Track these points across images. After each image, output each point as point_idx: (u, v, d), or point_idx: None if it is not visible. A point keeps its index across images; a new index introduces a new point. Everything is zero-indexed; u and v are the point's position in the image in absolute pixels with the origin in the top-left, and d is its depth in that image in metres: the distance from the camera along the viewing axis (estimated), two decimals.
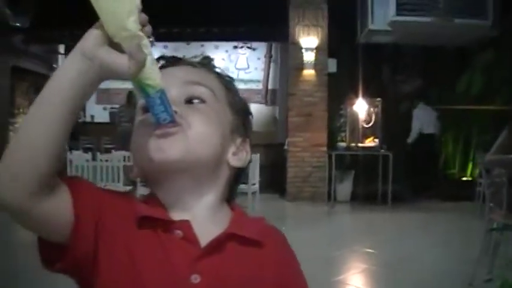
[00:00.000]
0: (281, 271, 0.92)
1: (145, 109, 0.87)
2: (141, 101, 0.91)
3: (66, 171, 6.17)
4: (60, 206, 0.79)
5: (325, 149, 9.50)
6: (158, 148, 0.84)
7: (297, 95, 9.61)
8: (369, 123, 9.30)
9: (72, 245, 0.79)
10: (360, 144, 9.25)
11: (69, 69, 0.76)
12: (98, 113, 14.17)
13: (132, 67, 0.74)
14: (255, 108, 12.33)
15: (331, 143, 9.56)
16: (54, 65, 12.86)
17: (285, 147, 10.09)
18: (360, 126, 9.28)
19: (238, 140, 0.96)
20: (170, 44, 14.42)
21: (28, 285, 4.31)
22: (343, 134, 9.62)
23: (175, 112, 0.84)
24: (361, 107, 9.32)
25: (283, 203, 9.54)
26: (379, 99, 9.34)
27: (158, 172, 0.87)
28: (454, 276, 4.84)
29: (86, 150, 8.93)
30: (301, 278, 0.97)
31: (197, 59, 1.00)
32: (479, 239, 4.73)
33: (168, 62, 0.96)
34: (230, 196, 0.97)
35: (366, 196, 9.59)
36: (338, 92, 9.63)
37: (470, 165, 10.44)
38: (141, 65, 0.75)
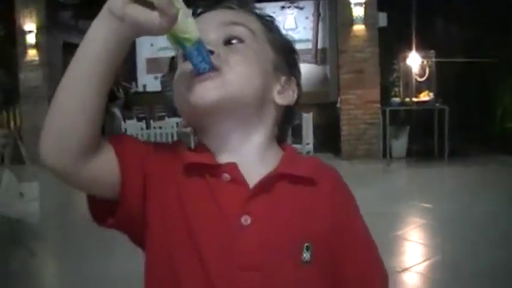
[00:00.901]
0: (336, 211, 0.88)
1: (185, 56, 0.84)
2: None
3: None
4: (106, 166, 0.79)
5: (378, 105, 9.34)
6: (197, 93, 0.81)
7: (347, 51, 9.44)
8: (422, 76, 9.05)
9: (122, 200, 0.80)
10: (415, 99, 9.03)
11: (99, 30, 0.74)
12: (149, 82, 14.34)
13: (164, 23, 0.70)
14: (305, 68, 12.23)
15: (385, 99, 9.37)
16: None
17: (338, 105, 9.98)
18: (414, 81, 9.04)
19: (283, 79, 0.92)
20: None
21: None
22: (396, 89, 9.42)
23: (213, 52, 0.82)
24: (414, 61, 9.07)
25: (338, 162, 9.44)
26: (432, 51, 9.06)
27: (201, 117, 0.86)
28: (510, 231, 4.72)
29: (139, 119, 9.07)
30: (358, 220, 0.92)
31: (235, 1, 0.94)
32: None
33: (206, 6, 0.93)
34: (281, 136, 0.95)
35: (421, 152, 9.43)
36: (390, 46, 9.40)
37: None
38: (174, 20, 0.71)
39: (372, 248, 0.92)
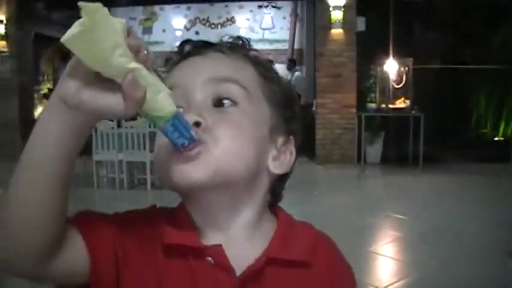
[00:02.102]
0: None
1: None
2: None
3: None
4: (75, 255, 0.70)
5: (354, 110, 9.26)
6: (181, 173, 0.71)
7: (325, 55, 9.34)
8: (399, 83, 8.99)
9: (93, 286, 0.71)
10: (391, 105, 8.97)
11: (51, 124, 0.62)
12: None
13: (130, 107, 0.60)
14: (280, 69, 12.11)
15: (361, 104, 9.30)
16: None
17: (313, 109, 9.89)
18: (391, 87, 8.98)
19: (280, 140, 0.81)
20: (194, 5, 14.23)
21: None
22: (373, 95, 9.34)
23: (200, 124, 0.71)
24: (391, 67, 9.01)
25: (312, 166, 9.36)
26: (410, 58, 9.00)
27: (186, 192, 0.76)
28: (492, 246, 4.65)
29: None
30: None
31: (229, 41, 0.83)
32: None
33: (194, 49, 0.81)
34: (274, 202, 0.84)
35: (396, 158, 9.38)
36: (367, 51, 9.32)
37: (502, 125, 10.14)
38: (140, 102, 0.60)
39: None
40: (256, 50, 0.84)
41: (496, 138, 10.20)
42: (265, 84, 0.80)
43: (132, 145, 7.08)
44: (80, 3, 0.57)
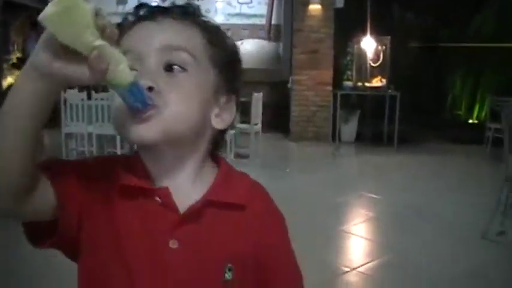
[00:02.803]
0: (262, 240, 0.90)
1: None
2: None
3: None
4: (45, 199, 0.80)
5: (330, 88, 9.19)
6: (135, 133, 0.81)
7: (302, 31, 9.22)
8: (376, 62, 8.91)
9: (60, 227, 0.82)
10: (367, 84, 8.89)
11: (25, 88, 0.72)
12: None
13: (94, 76, 0.70)
14: (257, 44, 11.97)
15: (337, 82, 9.22)
16: None
17: (289, 85, 9.77)
18: (368, 65, 8.89)
19: (223, 100, 0.91)
20: None
21: None
22: (349, 73, 9.25)
23: (152, 89, 0.80)
24: (369, 45, 8.91)
25: (286, 143, 9.29)
26: (388, 37, 8.91)
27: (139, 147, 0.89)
28: (465, 226, 4.64)
29: (82, 88, 8.60)
30: (283, 252, 0.94)
31: (180, 6, 0.91)
32: (490, 186, 4.50)
33: (149, 13, 0.89)
34: (214, 150, 0.94)
35: (371, 137, 9.36)
36: (345, 28, 9.21)
37: (477, 107, 10.17)
38: (104, 72, 0.70)
39: (296, 273, 0.95)
40: (203, 16, 0.91)
41: (470, 121, 10.23)
42: (211, 49, 0.88)
43: (102, 118, 6.88)
44: None
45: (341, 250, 4.12)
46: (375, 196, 5.70)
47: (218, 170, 0.92)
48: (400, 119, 8.50)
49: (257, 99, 7.53)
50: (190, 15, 0.89)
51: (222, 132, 0.94)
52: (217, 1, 14.08)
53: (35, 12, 11.80)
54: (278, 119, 9.97)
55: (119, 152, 6.81)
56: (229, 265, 0.86)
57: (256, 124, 7.56)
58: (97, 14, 0.69)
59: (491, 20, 9.65)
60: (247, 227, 0.89)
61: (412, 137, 9.28)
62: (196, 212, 0.85)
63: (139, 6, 0.91)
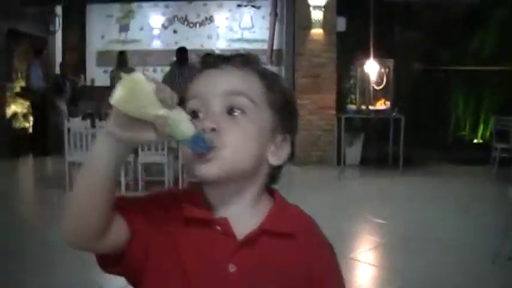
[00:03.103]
0: (311, 264, 0.99)
1: (193, 114, 0.96)
2: (188, 107, 0.98)
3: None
4: (118, 234, 0.94)
5: (334, 111, 9.17)
6: (199, 172, 0.93)
7: (304, 55, 9.24)
8: (380, 84, 8.91)
9: (126, 256, 0.96)
10: (371, 107, 8.88)
11: (102, 149, 0.87)
12: (98, 76, 13.82)
13: (160, 137, 0.86)
14: None
15: (341, 106, 9.21)
16: (52, 28, 12.44)
17: None
18: (371, 88, 8.89)
19: (279, 139, 1.02)
20: (172, 3, 14.02)
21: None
22: (353, 96, 9.24)
23: (214, 129, 0.92)
24: (371, 68, 8.92)
25: (291, 168, 9.24)
26: (390, 59, 8.92)
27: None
28: (475, 250, 4.57)
29: (86, 116, 8.62)
30: (332, 273, 1.03)
31: (241, 55, 1.03)
32: (497, 208, 4.44)
33: (214, 61, 1.01)
34: (271, 184, 1.05)
35: (376, 160, 9.32)
36: (347, 52, 9.24)
37: (481, 128, 10.14)
38: (167, 134, 0.85)
39: None
40: (262, 64, 1.04)
41: (475, 141, 10.19)
42: (268, 94, 1.00)
43: None
44: (122, 75, 0.83)
45: (350, 279, 4.05)
46: (381, 221, 5.65)
47: (273, 201, 1.04)
48: (404, 141, 8.47)
49: None
50: (250, 63, 1.01)
51: (279, 168, 1.04)
52: (219, 27, 14.16)
53: (38, 40, 11.89)
54: None
55: (123, 180, 6.79)
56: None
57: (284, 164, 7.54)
58: (157, 88, 0.82)
59: (490, 41, 9.68)
60: (297, 254, 0.98)
61: (417, 159, 9.23)
62: (252, 240, 0.96)
63: (207, 55, 1.04)
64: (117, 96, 0.81)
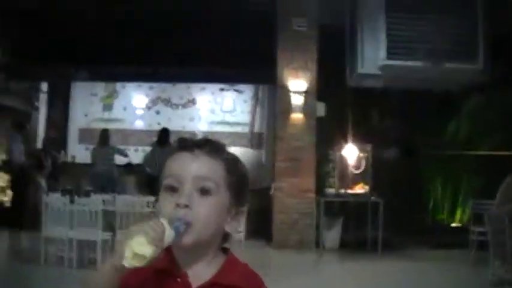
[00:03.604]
0: None
1: (170, 188, 1.22)
2: (166, 183, 1.24)
3: None
4: None
5: (313, 195, 9.22)
6: (177, 243, 1.18)
7: (284, 139, 9.37)
8: (358, 168, 9.03)
9: None
10: (350, 191, 8.96)
11: (104, 275, 1.17)
12: (80, 153, 13.83)
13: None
14: (240, 151, 12.08)
15: (320, 189, 9.27)
16: (36, 103, 12.55)
17: (271, 192, 9.79)
18: (350, 172, 9.00)
19: (233, 211, 1.27)
20: (156, 85, 14.27)
21: None
22: (331, 180, 9.33)
23: (188, 206, 1.19)
24: (350, 152, 9.07)
25: (269, 251, 9.17)
26: (369, 144, 9.10)
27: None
28: None
29: (65, 192, 8.55)
30: None
31: (210, 144, 1.27)
32: None
33: (187, 146, 1.25)
34: (224, 243, 1.30)
35: (355, 243, 9.29)
36: (327, 136, 9.40)
37: (459, 211, 10.25)
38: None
39: None
40: (226, 151, 1.29)
41: (453, 225, 10.25)
42: (228, 178, 1.24)
43: (85, 223, 6.80)
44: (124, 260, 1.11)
45: None
46: None
47: (226, 258, 1.27)
48: (383, 225, 8.50)
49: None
50: (217, 151, 1.25)
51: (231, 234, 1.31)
52: (200, 109, 14.40)
53: (21, 114, 11.94)
54: (260, 226, 9.91)
55: (99, 258, 6.67)
56: None
57: (239, 232, 7.50)
58: (153, 239, 1.11)
59: (465, 126, 9.98)
60: None
61: (396, 243, 9.23)
62: None
63: (182, 139, 1.30)
64: (126, 262, 1.10)
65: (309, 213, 9.20)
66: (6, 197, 11.34)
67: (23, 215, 10.42)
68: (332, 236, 9.33)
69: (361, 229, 9.23)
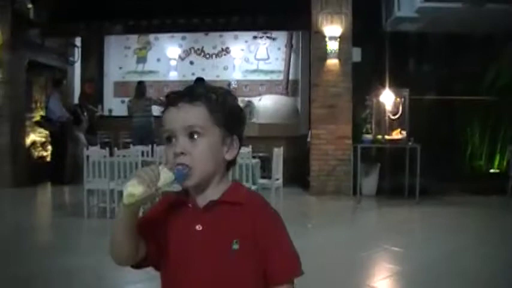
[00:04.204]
0: (257, 224, 1.37)
1: (168, 139, 1.41)
2: (163, 136, 1.43)
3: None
4: (142, 251, 1.40)
5: (350, 141, 9.18)
6: (183, 185, 1.39)
7: (320, 85, 9.30)
8: (395, 114, 8.91)
9: (148, 257, 1.42)
10: (387, 137, 8.87)
11: (122, 221, 1.33)
12: (116, 106, 14.02)
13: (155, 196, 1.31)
14: (276, 99, 12.07)
15: (357, 135, 9.22)
16: (71, 59, 12.66)
17: (308, 139, 9.79)
18: (387, 118, 8.90)
19: (228, 141, 1.42)
20: (189, 35, 14.21)
21: None
22: (368, 126, 9.26)
23: (184, 153, 1.36)
24: (387, 98, 8.94)
25: (307, 198, 9.24)
26: (406, 89, 8.95)
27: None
28: (492, 280, 4.51)
29: (104, 145, 8.70)
30: (275, 232, 1.41)
31: (190, 93, 1.41)
32: None
33: (171, 101, 1.41)
34: (228, 170, 1.47)
35: (392, 190, 9.27)
36: (363, 82, 9.28)
37: (497, 158, 10.10)
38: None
39: (286, 247, 1.41)
40: (206, 91, 1.43)
41: (491, 171, 10.13)
42: (212, 116, 1.39)
43: (124, 174, 6.93)
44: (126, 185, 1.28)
45: None
46: (398, 250, 5.62)
47: (231, 184, 1.45)
48: (420, 171, 8.45)
49: (277, 154, 7.54)
50: (196, 97, 1.39)
51: (234, 160, 1.47)
52: (235, 58, 14.34)
53: (58, 71, 12.09)
54: (298, 173, 9.96)
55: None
56: (236, 239, 1.35)
57: (277, 179, 7.56)
58: (150, 183, 1.28)
59: (506, 71, 9.71)
60: (245, 216, 1.38)
61: (433, 189, 9.18)
62: (210, 208, 1.39)
63: (168, 95, 1.44)
64: (125, 198, 1.27)
65: (346, 160, 9.19)
66: (46, 152, 11.61)
67: (64, 170, 10.69)
68: (369, 182, 9.33)
69: (398, 176, 9.20)
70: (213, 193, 1.41)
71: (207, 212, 1.39)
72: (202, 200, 1.40)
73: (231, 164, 1.46)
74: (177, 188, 1.43)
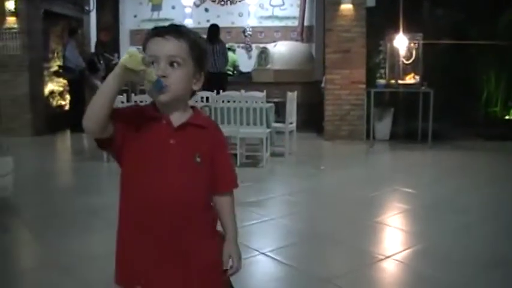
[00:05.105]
0: (214, 144, 1.75)
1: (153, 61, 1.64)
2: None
3: None
4: (110, 129, 1.59)
5: (363, 86, 9.25)
6: (159, 99, 1.65)
7: (334, 30, 9.32)
8: (409, 59, 8.94)
9: (113, 140, 1.63)
10: (400, 81, 8.93)
11: (112, 82, 1.52)
12: None
13: (141, 77, 1.54)
14: (290, 45, 12.09)
15: (370, 80, 9.28)
16: (86, 8, 12.70)
17: (322, 85, 9.87)
18: (400, 63, 8.93)
19: (197, 75, 1.74)
20: None
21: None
22: (382, 71, 9.30)
23: (165, 76, 1.62)
24: (401, 43, 8.95)
25: (321, 142, 9.40)
26: (420, 34, 8.93)
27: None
28: (499, 222, 4.66)
29: (121, 91, 8.84)
30: (224, 152, 1.82)
31: (176, 28, 1.69)
32: None
33: (160, 32, 1.67)
34: (192, 97, 1.78)
35: (405, 134, 9.39)
36: (377, 27, 9.28)
37: None
38: (145, 77, 1.56)
39: (230, 165, 1.83)
40: (190, 32, 1.71)
41: (506, 117, 10.13)
42: (191, 52, 1.68)
43: None
44: (128, 51, 1.52)
45: (376, 240, 4.22)
46: (408, 190, 5.79)
47: (193, 110, 1.76)
48: (434, 116, 8.52)
49: (291, 99, 7.66)
50: (182, 33, 1.67)
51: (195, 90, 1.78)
52: (249, 4, 14.27)
53: (73, 20, 12.17)
54: (312, 118, 10.09)
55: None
56: (198, 153, 1.70)
57: (291, 123, 7.70)
58: (143, 56, 1.51)
59: None
60: (206, 136, 1.73)
61: (447, 134, 9.27)
62: (182, 127, 1.69)
63: (155, 28, 1.69)
64: (123, 59, 1.50)
65: (360, 105, 9.28)
66: (65, 101, 11.81)
67: (82, 117, 10.88)
68: (382, 127, 9.44)
69: (411, 120, 9.29)
70: (181, 115, 1.71)
71: (179, 131, 1.68)
72: (174, 120, 1.68)
73: (194, 93, 1.78)
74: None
